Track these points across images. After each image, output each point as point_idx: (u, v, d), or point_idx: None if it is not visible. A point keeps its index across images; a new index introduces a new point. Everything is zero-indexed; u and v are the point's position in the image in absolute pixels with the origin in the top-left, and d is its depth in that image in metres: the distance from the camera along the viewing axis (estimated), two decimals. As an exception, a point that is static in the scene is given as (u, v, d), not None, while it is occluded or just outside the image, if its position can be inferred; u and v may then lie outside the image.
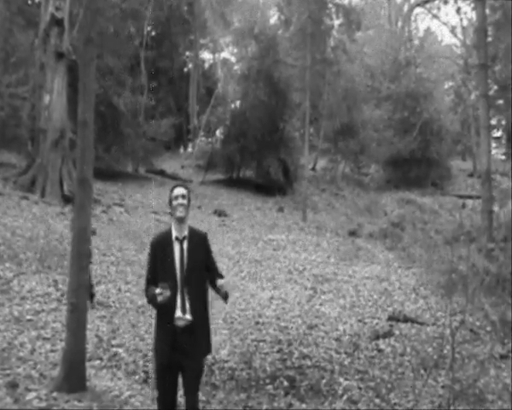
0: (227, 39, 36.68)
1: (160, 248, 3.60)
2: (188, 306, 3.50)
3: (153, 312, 3.80)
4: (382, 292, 10.40)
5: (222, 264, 11.63)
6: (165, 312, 3.52)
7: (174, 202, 3.60)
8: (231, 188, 22.43)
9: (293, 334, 7.62)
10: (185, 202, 3.61)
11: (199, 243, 3.64)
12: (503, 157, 34.93)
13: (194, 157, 25.21)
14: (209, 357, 6.26)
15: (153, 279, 3.55)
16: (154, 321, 3.76)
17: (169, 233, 3.62)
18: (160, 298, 3.38)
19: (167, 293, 3.39)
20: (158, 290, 3.39)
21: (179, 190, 3.64)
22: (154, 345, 3.66)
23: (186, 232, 3.61)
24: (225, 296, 3.59)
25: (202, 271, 3.62)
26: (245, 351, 6.73)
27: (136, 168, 23.59)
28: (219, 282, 3.53)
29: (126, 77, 21.85)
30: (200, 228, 3.84)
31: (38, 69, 15.95)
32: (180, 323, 3.47)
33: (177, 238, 3.59)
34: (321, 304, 9.53)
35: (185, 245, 3.58)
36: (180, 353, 3.48)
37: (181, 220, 3.59)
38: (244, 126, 22.80)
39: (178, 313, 3.49)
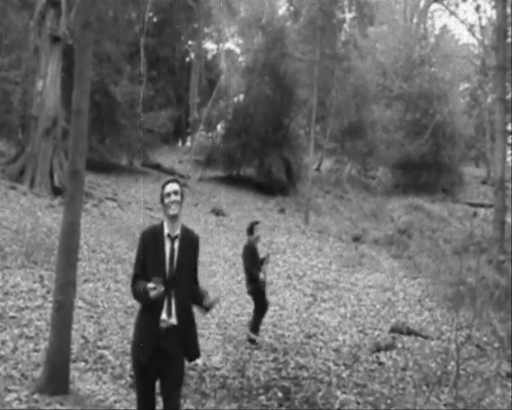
0: (232, 29, 36.64)
1: (151, 242, 3.60)
2: (174, 308, 3.51)
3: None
4: (385, 302, 10.42)
5: (217, 266, 11.65)
6: (150, 312, 3.52)
7: (166, 200, 3.61)
8: (231, 186, 22.43)
9: (290, 343, 7.64)
10: (178, 198, 3.61)
11: (190, 245, 3.66)
12: (519, 165, 34.86)
13: (192, 152, 25.17)
14: (200, 363, 6.28)
15: (142, 274, 3.55)
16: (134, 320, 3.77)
17: (161, 228, 3.63)
18: (152, 293, 3.37)
19: (161, 288, 3.37)
20: (151, 285, 3.38)
21: (171, 187, 3.63)
22: (133, 346, 3.66)
23: (178, 231, 3.62)
24: (209, 305, 3.56)
25: (190, 273, 3.64)
26: (238, 359, 6.74)
27: (131, 161, 23.59)
28: (202, 289, 3.50)
29: (124, 65, 21.85)
30: (196, 228, 3.86)
31: (32, 53, 15.94)
32: (163, 325, 3.48)
33: (168, 235, 3.60)
34: (320, 312, 9.55)
35: (176, 244, 3.59)
36: (162, 357, 3.48)
37: (173, 218, 3.60)
38: (247, 122, 22.79)
39: (163, 316, 3.50)
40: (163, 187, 3.66)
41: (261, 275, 7.47)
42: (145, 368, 3.52)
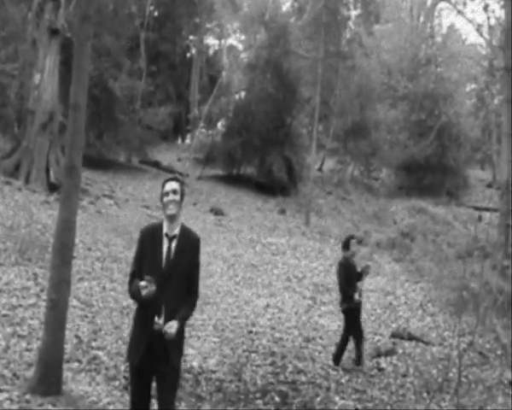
0: (235, 25, 36.71)
1: (149, 240, 3.61)
2: (163, 309, 3.48)
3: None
4: (387, 307, 10.42)
5: (216, 267, 11.65)
6: (145, 312, 3.53)
7: (165, 199, 3.60)
8: (230, 185, 22.44)
9: (289, 346, 7.64)
10: (177, 197, 3.60)
11: (189, 246, 3.62)
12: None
13: (192, 150, 25.19)
14: (196, 366, 6.29)
15: (138, 273, 3.56)
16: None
17: (160, 227, 3.64)
18: (144, 292, 3.38)
19: (153, 287, 3.37)
20: (143, 283, 3.39)
21: (170, 185, 3.62)
22: (128, 344, 3.69)
23: (177, 231, 3.61)
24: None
25: (184, 275, 3.59)
26: (235, 362, 6.74)
27: (129, 158, 23.60)
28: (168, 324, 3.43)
29: (124, 59, 21.85)
30: (195, 227, 3.85)
31: (30, 46, 15.96)
32: (156, 327, 3.48)
33: (166, 235, 3.60)
34: (320, 315, 9.55)
35: (173, 244, 3.59)
36: (155, 358, 3.49)
37: (172, 218, 3.59)
38: (248, 120, 22.79)
39: (157, 318, 3.48)
40: (163, 185, 3.66)
41: (356, 295, 6.94)
42: (139, 368, 3.54)
